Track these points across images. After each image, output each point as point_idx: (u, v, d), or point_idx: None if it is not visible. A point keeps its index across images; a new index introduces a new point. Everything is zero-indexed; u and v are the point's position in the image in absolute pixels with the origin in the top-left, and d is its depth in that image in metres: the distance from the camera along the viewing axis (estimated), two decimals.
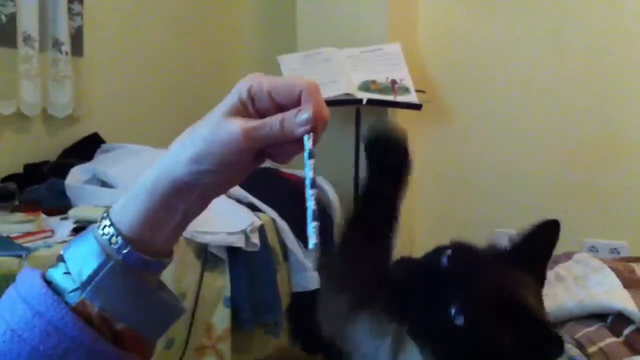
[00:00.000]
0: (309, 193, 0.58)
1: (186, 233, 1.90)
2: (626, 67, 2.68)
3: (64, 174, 2.17)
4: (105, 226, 0.60)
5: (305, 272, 2.21)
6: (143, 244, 0.60)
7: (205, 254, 1.95)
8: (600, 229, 2.73)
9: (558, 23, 2.81)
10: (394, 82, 2.64)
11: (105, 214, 0.61)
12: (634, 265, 1.62)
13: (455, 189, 3.07)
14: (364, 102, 2.54)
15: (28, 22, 2.35)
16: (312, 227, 0.57)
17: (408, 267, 0.74)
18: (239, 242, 1.98)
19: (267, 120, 0.59)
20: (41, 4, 2.41)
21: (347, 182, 2.64)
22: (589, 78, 2.75)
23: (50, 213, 1.95)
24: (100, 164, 2.25)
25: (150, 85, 3.02)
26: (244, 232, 1.99)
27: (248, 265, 2.03)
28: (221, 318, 1.95)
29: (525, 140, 2.88)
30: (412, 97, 2.61)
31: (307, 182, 0.59)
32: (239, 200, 2.19)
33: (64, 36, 2.49)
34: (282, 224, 2.20)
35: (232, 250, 1.99)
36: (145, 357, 0.63)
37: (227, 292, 1.98)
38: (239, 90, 0.60)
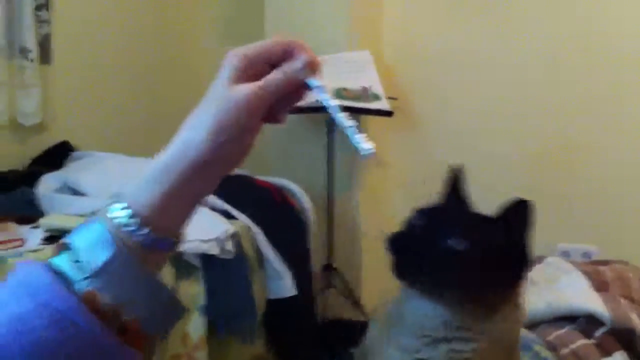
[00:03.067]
0: (341, 117, 0.63)
1: None
2: (592, 70, 2.74)
3: (33, 182, 2.14)
4: (117, 209, 0.59)
5: (280, 279, 2.20)
6: (156, 227, 0.60)
7: (179, 262, 1.94)
8: (572, 233, 2.79)
9: (520, 31, 2.87)
10: (365, 89, 2.66)
11: (113, 201, 0.61)
12: (603, 269, 1.66)
13: (426, 197, 3.09)
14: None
15: None
16: (359, 137, 0.61)
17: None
18: (213, 249, 1.96)
19: (269, 77, 0.62)
20: (8, 11, 2.37)
21: (320, 189, 2.65)
22: (556, 84, 2.81)
23: (20, 222, 1.92)
24: (71, 172, 2.22)
25: (120, 91, 3.00)
26: (218, 239, 1.98)
27: (222, 273, 2.01)
28: (196, 326, 1.93)
29: (496, 148, 2.92)
30: (384, 104, 2.63)
31: (335, 111, 0.63)
32: (212, 208, 2.18)
33: (31, 43, 2.45)
34: (257, 231, 2.20)
35: (206, 258, 1.98)
36: (144, 354, 0.61)
37: (202, 300, 1.96)
38: (231, 62, 0.62)
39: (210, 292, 1.98)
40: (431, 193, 0.99)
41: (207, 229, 2.00)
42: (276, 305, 2.21)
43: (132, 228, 0.59)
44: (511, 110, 2.90)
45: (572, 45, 2.77)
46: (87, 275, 0.57)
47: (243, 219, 2.20)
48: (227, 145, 0.60)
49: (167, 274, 1.90)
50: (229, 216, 2.18)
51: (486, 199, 2.69)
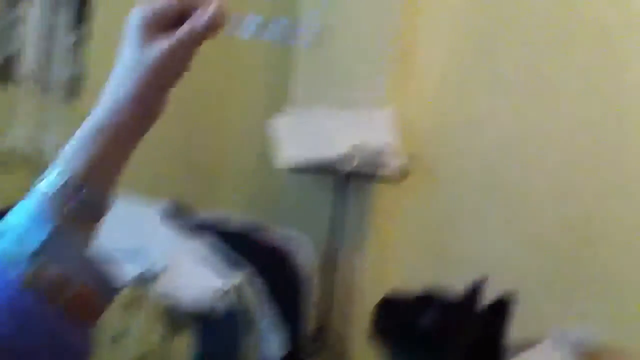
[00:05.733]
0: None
1: (153, 294, 1.92)
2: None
3: None
4: (53, 175, 0.59)
5: (273, 339, 2.20)
6: (92, 187, 0.59)
7: (171, 316, 1.96)
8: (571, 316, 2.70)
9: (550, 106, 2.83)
10: (381, 149, 2.65)
11: (46, 173, 0.60)
12: None
13: (438, 256, 3.02)
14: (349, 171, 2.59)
15: (27, 63, 2.39)
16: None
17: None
18: (206, 304, 1.99)
19: (186, 25, 0.60)
20: (45, 44, 2.45)
21: (325, 248, 2.66)
22: (579, 146, 2.77)
23: None
24: None
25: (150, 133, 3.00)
26: (211, 294, 2.00)
27: (215, 329, 2.03)
28: None
29: (512, 214, 2.87)
30: (399, 165, 2.64)
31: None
32: (210, 263, 2.19)
33: (63, 79, 2.52)
34: (253, 289, 2.20)
35: (198, 314, 2.00)
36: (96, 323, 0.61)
37: (192, 356, 1.98)
38: (139, 17, 0.60)
39: (203, 348, 2.00)
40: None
41: (200, 284, 2.03)
42: None
43: (70, 190, 0.58)
44: (527, 176, 2.85)
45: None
46: (31, 252, 0.56)
47: (238, 276, 2.21)
48: (153, 105, 0.62)
49: (158, 328, 1.93)
50: (226, 271, 2.19)
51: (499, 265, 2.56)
